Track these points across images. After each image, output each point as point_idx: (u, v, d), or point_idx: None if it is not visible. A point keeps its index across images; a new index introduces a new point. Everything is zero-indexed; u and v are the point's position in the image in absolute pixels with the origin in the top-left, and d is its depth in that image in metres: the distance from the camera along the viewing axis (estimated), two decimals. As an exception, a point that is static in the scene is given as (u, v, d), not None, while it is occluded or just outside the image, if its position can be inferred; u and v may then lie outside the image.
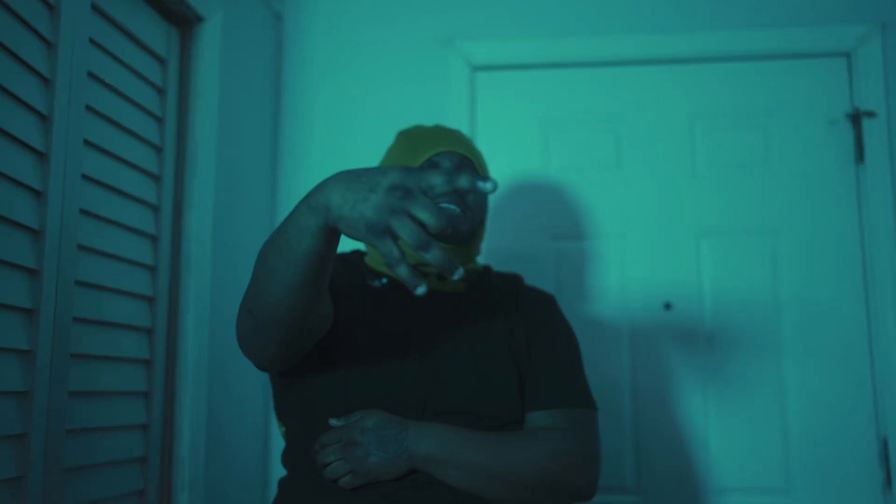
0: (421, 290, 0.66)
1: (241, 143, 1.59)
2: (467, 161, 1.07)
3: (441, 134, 1.09)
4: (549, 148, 1.75)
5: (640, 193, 1.72)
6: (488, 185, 0.68)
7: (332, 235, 0.72)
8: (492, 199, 1.72)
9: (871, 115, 1.65)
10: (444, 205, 0.99)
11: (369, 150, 1.75)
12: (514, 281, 1.13)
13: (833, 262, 1.66)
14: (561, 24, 1.75)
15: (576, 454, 0.96)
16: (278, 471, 1.68)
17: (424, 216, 0.65)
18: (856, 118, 1.66)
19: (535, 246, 1.71)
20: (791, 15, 1.70)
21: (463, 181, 0.67)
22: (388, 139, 1.76)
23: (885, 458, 1.58)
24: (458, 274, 0.67)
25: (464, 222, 1.03)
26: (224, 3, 1.46)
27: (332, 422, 0.93)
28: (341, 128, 1.79)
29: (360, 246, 1.53)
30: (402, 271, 0.66)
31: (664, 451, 1.63)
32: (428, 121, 1.72)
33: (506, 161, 1.74)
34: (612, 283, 1.69)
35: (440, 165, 1.05)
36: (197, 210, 1.39)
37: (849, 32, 1.67)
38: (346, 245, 1.66)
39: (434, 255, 0.65)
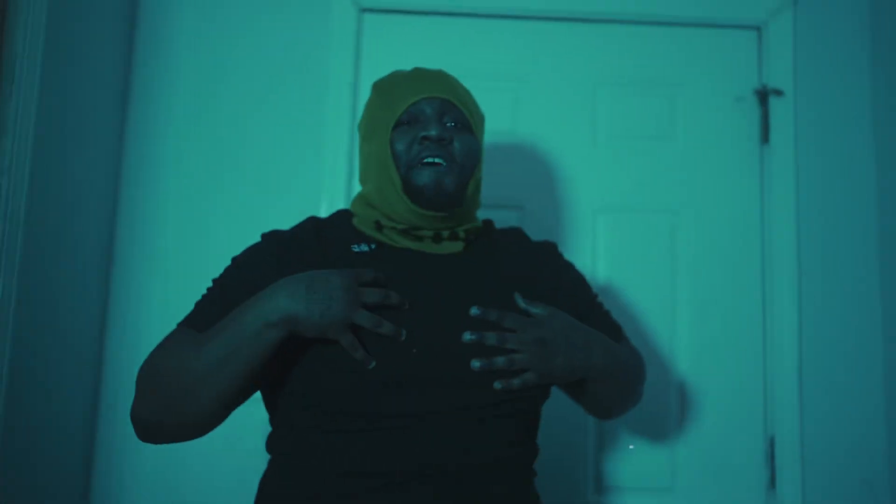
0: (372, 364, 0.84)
1: (79, 68, 1.35)
2: (449, 105, 0.97)
3: (417, 79, 0.99)
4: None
5: (536, 162, 1.57)
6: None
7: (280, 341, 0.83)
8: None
9: (778, 93, 1.56)
10: (427, 160, 0.93)
11: (239, 97, 1.54)
12: (515, 235, 1.08)
13: (731, 247, 1.56)
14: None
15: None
16: (104, 446, 1.44)
17: (374, 299, 0.85)
18: (763, 96, 1.57)
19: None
20: (703, -20, 1.60)
21: (393, 299, 0.87)
22: (260, 83, 1.58)
23: (772, 457, 1.49)
24: (403, 335, 0.85)
25: (448, 175, 0.93)
26: None
27: (474, 310, 0.88)
28: (208, 71, 1.55)
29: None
30: (359, 355, 0.84)
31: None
32: (302, 66, 1.52)
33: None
34: (499, 257, 1.53)
35: (421, 115, 0.96)
36: (11, 136, 1.15)
37: (760, 4, 1.58)
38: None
39: (386, 328, 0.84)
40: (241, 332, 0.81)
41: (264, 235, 0.98)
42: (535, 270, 1.01)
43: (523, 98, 1.58)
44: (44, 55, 1.22)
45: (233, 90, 1.55)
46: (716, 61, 1.60)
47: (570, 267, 1.09)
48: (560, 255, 1.09)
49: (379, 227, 0.96)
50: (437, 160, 0.93)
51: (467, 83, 1.57)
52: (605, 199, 1.57)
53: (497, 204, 1.55)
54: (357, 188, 1.31)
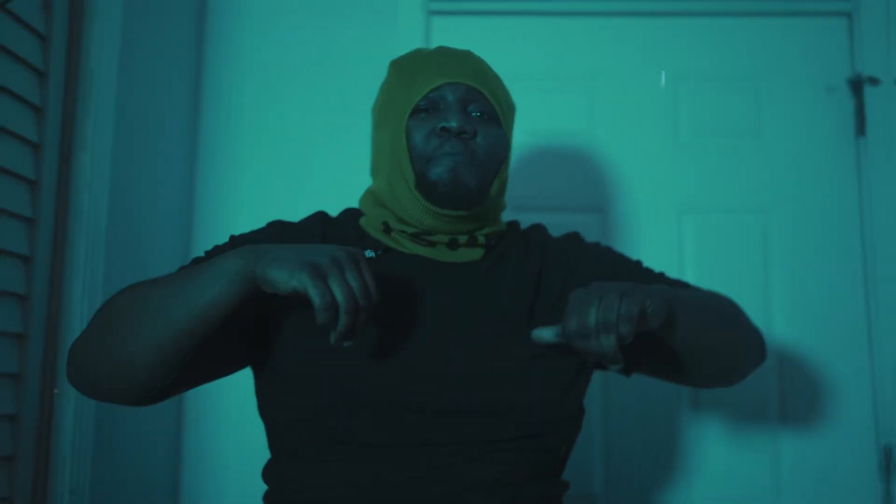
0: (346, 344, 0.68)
1: (152, 78, 1.33)
2: (475, 93, 0.84)
3: (441, 59, 0.85)
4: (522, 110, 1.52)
5: (616, 163, 1.50)
6: None
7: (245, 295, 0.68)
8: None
9: (874, 81, 1.47)
10: (446, 154, 0.80)
11: (305, 99, 1.52)
12: (538, 233, 0.93)
13: (828, 245, 1.46)
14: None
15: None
16: (190, 474, 1.41)
17: (355, 285, 0.66)
18: (857, 85, 1.48)
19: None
20: (787, -34, 1.52)
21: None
22: (327, 87, 1.55)
23: (887, 469, 1.38)
24: (359, 339, 0.69)
25: (468, 169, 0.80)
26: None
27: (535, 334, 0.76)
28: (275, 74, 1.54)
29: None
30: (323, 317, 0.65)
31: (636, 458, 1.40)
32: (369, 68, 1.49)
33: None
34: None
35: (441, 101, 0.83)
36: (91, 152, 1.13)
37: (849, -10, 1.50)
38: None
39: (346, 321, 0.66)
40: (204, 270, 0.69)
41: (269, 223, 0.88)
42: (565, 270, 0.88)
43: (599, 97, 1.52)
44: (119, 70, 1.20)
45: (300, 93, 1.53)
46: (803, 51, 1.51)
47: (601, 249, 0.95)
48: (587, 243, 0.95)
49: (387, 229, 0.84)
50: (455, 156, 0.80)
51: (539, 84, 1.54)
52: (689, 199, 1.49)
53: (576, 207, 1.49)
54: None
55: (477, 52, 1.53)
